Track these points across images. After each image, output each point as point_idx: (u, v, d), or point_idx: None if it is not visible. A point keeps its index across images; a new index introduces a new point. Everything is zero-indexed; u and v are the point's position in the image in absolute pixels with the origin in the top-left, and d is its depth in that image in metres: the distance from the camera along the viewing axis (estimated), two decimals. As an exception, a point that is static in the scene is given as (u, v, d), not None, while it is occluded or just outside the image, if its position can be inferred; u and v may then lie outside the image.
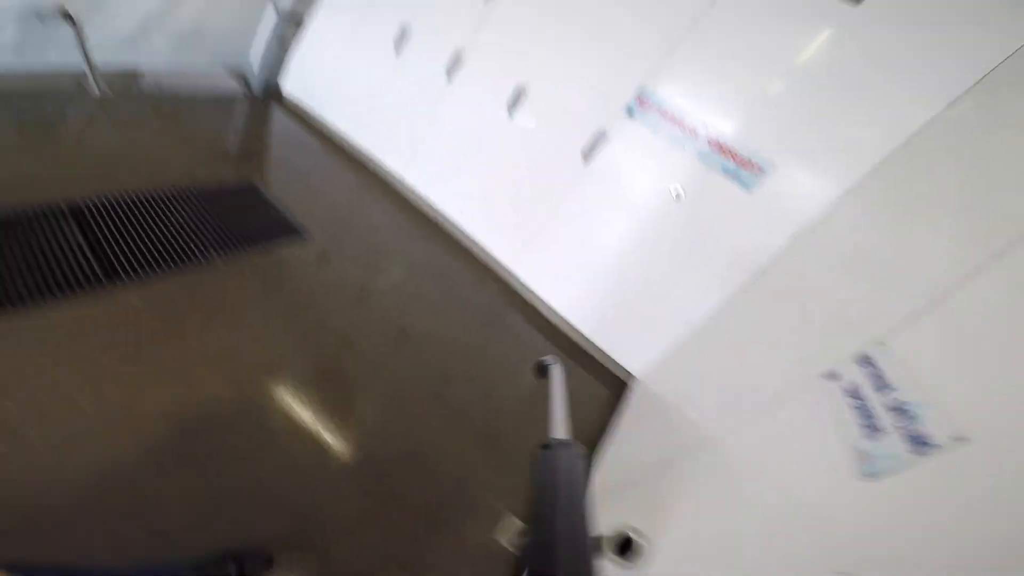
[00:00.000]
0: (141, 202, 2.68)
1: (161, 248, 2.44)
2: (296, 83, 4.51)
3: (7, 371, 1.69)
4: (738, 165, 2.50)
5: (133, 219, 2.56)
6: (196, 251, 2.51)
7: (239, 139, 3.94)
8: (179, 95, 3.95)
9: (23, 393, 1.66)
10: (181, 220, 2.68)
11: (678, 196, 2.67)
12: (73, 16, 3.07)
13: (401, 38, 3.62)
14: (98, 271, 2.17)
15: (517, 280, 3.38)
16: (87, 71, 3.32)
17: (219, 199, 3.00)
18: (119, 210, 2.57)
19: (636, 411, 2.68)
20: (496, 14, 3.14)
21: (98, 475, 1.60)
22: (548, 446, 0.63)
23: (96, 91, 3.41)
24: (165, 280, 2.27)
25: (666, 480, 1.92)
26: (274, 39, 4.38)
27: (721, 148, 2.53)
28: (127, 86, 3.67)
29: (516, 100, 3.08)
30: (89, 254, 2.25)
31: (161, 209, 2.69)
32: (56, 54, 3.39)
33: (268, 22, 4.41)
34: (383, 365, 2.45)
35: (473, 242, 3.53)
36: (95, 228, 2.41)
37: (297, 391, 2.12)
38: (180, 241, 2.53)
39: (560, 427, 0.69)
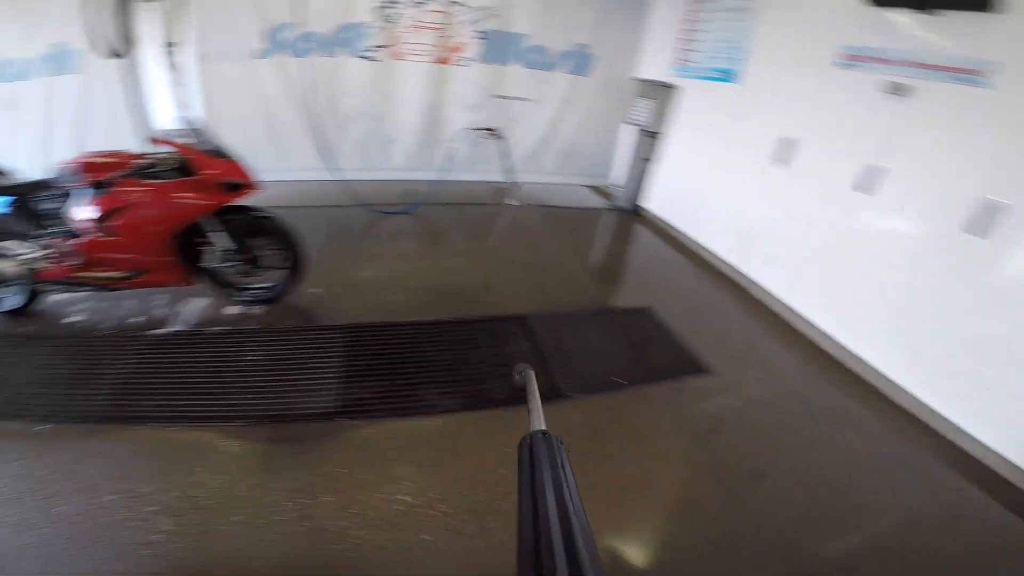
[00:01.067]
0: (566, 317, 3.18)
1: (578, 367, 2.70)
2: (658, 198, 4.98)
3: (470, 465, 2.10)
4: None
5: (555, 334, 2.98)
6: (606, 372, 2.70)
7: (611, 255, 4.44)
8: (556, 207, 5.14)
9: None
10: (594, 339, 2.99)
11: None
12: (501, 135, 4.66)
13: (783, 150, 3.52)
14: (543, 380, 2.43)
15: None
16: (508, 182, 4.89)
17: (615, 320, 3.27)
18: (538, 324, 3.05)
19: None
20: (920, 111, 2.66)
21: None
22: (535, 436, 0.65)
23: (515, 201, 4.82)
24: (585, 399, 2.52)
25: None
26: (635, 156, 5.03)
27: None
28: (523, 196, 5.11)
29: (980, 218, 2.38)
30: (537, 364, 2.60)
31: (578, 326, 3.10)
32: (481, 168, 5.23)
33: (628, 140, 5.09)
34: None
35: (886, 380, 2.84)
36: (536, 338, 2.91)
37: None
38: (593, 361, 2.77)
39: (539, 420, 0.73)
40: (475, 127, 4.95)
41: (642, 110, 4.92)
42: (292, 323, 3.04)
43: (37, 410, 2.39)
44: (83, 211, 2.64)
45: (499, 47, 4.84)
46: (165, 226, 2.72)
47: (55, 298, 3.15)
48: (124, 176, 2.63)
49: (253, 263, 3.01)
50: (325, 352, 2.77)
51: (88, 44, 4.07)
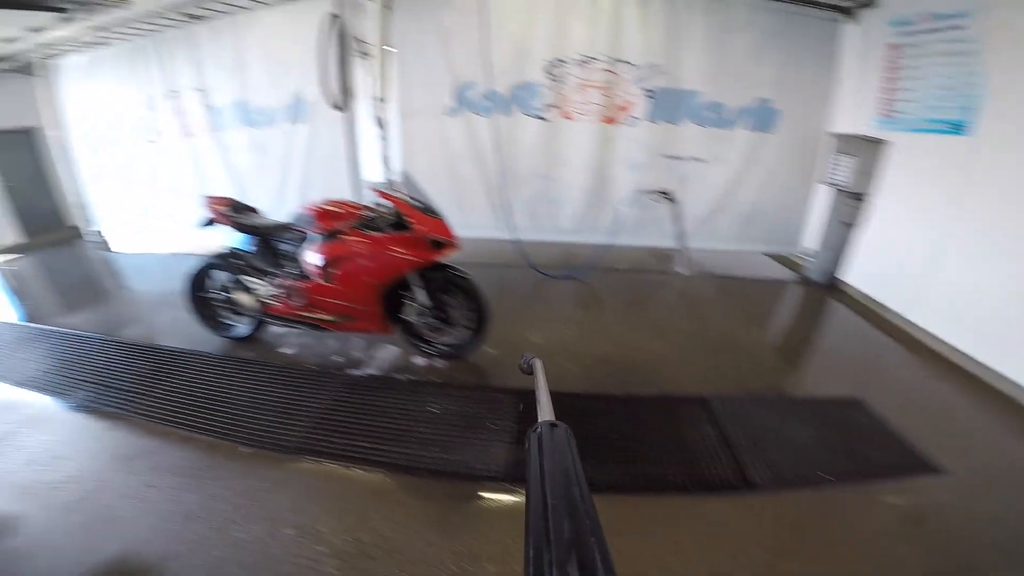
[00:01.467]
0: (753, 402, 2.93)
1: (771, 457, 2.50)
2: (862, 271, 4.42)
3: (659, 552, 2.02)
4: None
5: (742, 419, 2.77)
6: (806, 465, 2.44)
7: (802, 335, 3.96)
8: (734, 276, 4.79)
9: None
10: (789, 429, 2.70)
11: None
12: (673, 198, 4.55)
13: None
14: (729, 471, 2.39)
15: None
16: (678, 249, 4.79)
17: (814, 409, 2.91)
18: (721, 407, 2.85)
19: None
20: None
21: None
22: (544, 427, 0.63)
23: (684, 270, 4.74)
24: (779, 494, 2.30)
25: None
26: (832, 221, 4.61)
27: None
28: (694, 264, 4.84)
29: None
30: (722, 452, 2.51)
31: (770, 413, 2.85)
32: (649, 233, 5.03)
33: (824, 202, 4.70)
34: None
35: None
36: (719, 422, 2.73)
37: None
38: (789, 452, 2.53)
39: (548, 411, 0.71)
40: (646, 189, 4.86)
41: (842, 168, 4.38)
42: (471, 380, 3.18)
43: (245, 433, 2.78)
44: (313, 256, 3.07)
45: (669, 105, 4.71)
46: (379, 278, 3.03)
47: (273, 330, 3.71)
48: (353, 227, 2.98)
49: (444, 320, 3.23)
50: (501, 414, 2.82)
51: (319, 95, 4.79)
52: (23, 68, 6.13)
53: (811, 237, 4.95)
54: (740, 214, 5.06)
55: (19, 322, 4.36)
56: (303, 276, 3.19)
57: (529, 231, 5.11)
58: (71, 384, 3.27)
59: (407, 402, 2.94)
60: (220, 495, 2.33)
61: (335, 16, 4.59)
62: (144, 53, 5.55)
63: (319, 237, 3.08)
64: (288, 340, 3.72)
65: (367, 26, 4.70)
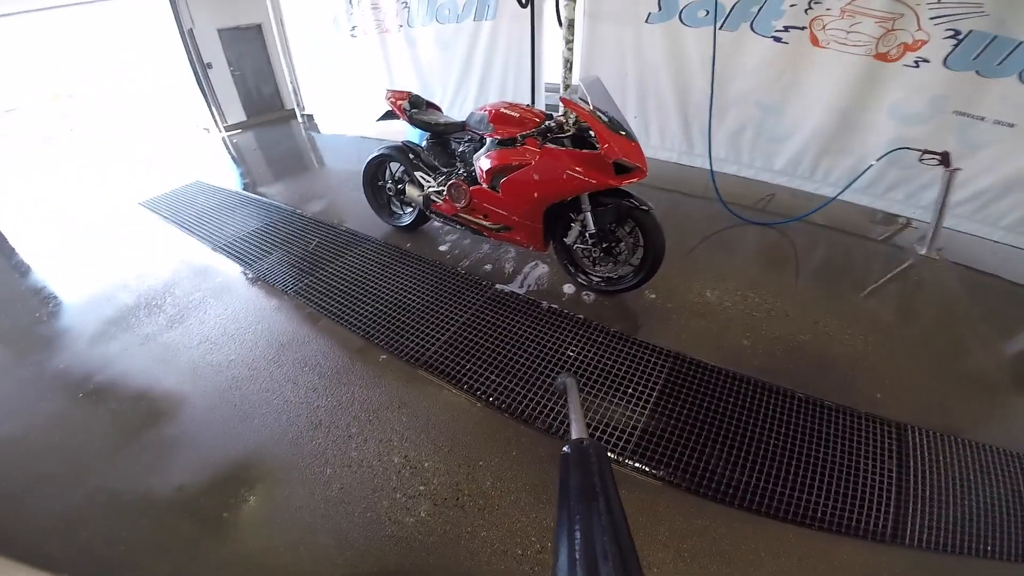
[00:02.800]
0: (974, 449, 2.17)
1: (949, 517, 1.94)
2: None
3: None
4: None
5: (945, 466, 2.11)
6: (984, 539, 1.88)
7: None
8: (994, 275, 3.37)
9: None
10: (995, 493, 2.02)
11: None
12: (952, 165, 3.30)
13: None
14: (888, 517, 1.90)
15: None
16: (932, 227, 3.47)
17: None
18: (922, 443, 2.18)
19: None
20: None
21: None
22: (572, 446, 0.63)
23: (926, 250, 3.50)
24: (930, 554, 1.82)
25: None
26: None
27: None
28: (940, 247, 3.49)
29: None
30: (891, 494, 1.98)
31: (978, 466, 2.11)
32: (890, 195, 3.74)
33: None
34: None
35: None
36: (909, 459, 2.12)
37: None
38: (978, 519, 1.94)
39: (580, 428, 0.70)
40: (916, 147, 3.47)
41: None
42: (619, 327, 2.84)
43: (385, 336, 2.87)
44: (484, 161, 2.91)
45: (985, 54, 3.21)
46: (548, 195, 2.73)
47: (435, 224, 3.81)
48: (529, 135, 2.70)
49: (609, 253, 2.88)
50: (643, 376, 2.51)
51: None
52: None
53: None
54: None
55: (231, 188, 5.02)
56: (470, 179, 3.09)
57: (728, 163, 4.28)
58: (257, 254, 3.75)
59: (546, 336, 2.77)
60: (347, 405, 2.43)
61: None
62: None
63: (493, 142, 2.88)
64: (446, 237, 3.79)
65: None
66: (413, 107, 3.42)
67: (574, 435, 0.69)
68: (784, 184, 4.15)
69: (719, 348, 2.64)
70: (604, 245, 2.83)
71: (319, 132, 6.93)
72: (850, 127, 3.77)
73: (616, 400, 2.34)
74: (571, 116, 2.61)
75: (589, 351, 2.62)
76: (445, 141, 3.37)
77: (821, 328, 2.83)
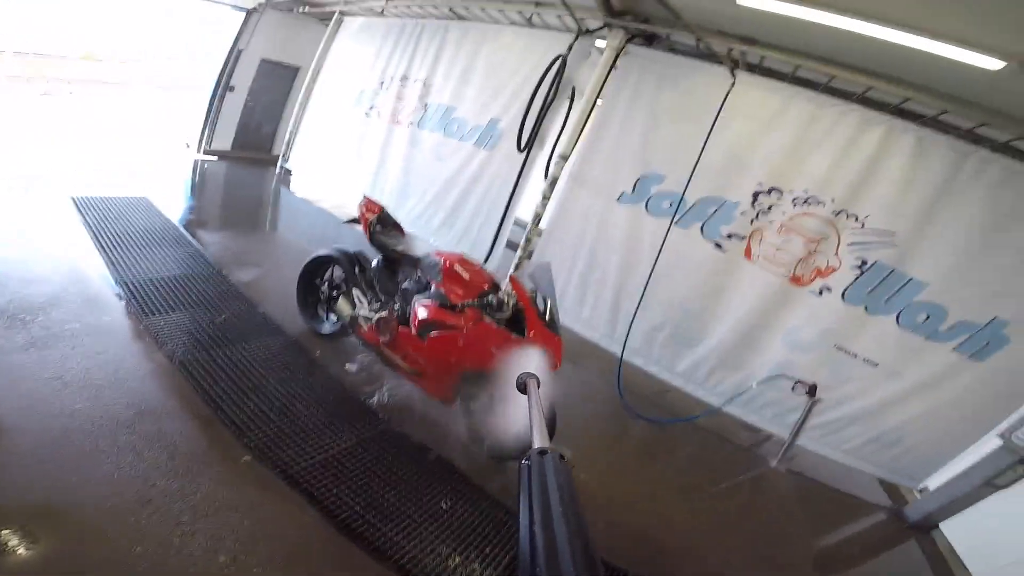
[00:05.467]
0: None
1: None
2: (973, 533, 3.59)
3: None
4: None
5: None
6: None
7: (865, 569, 3.38)
8: (824, 484, 4.01)
9: None
10: None
11: None
12: (816, 396, 3.83)
13: None
14: None
15: None
16: (785, 445, 4.02)
17: None
18: None
19: None
20: None
21: None
22: (533, 457, 0.62)
23: (775, 462, 4.02)
24: None
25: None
26: (975, 473, 3.60)
27: None
28: (787, 460, 4.05)
29: None
30: None
31: None
32: (762, 411, 4.16)
33: (980, 452, 3.69)
34: None
35: None
36: None
37: None
38: None
39: (541, 437, 0.68)
40: (791, 375, 3.89)
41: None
42: (495, 487, 2.87)
43: (259, 436, 2.65)
44: (422, 311, 2.92)
45: (879, 289, 3.69)
46: (469, 363, 2.82)
47: (351, 340, 3.63)
48: (469, 305, 2.76)
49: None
50: (498, 539, 2.54)
51: (512, 129, 4.73)
52: (323, 16, 7.14)
53: (939, 477, 3.79)
54: (880, 433, 3.87)
55: (172, 219, 4.81)
56: (403, 316, 3.11)
57: (638, 354, 4.43)
58: (160, 305, 3.51)
59: (424, 482, 2.69)
60: (188, 493, 2.22)
61: (561, 57, 4.48)
62: (403, 33, 6.04)
63: (436, 293, 2.95)
64: (357, 356, 3.63)
65: (585, 74, 4.53)
66: (379, 223, 3.46)
67: (535, 444, 0.67)
68: (679, 386, 4.37)
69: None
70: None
71: (289, 189, 6.92)
72: (749, 344, 4.08)
73: (472, 559, 2.33)
74: (512, 298, 2.75)
75: (460, 507, 2.59)
76: (394, 270, 3.39)
77: (665, 514, 3.12)
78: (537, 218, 4.53)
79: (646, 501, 3.19)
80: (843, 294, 3.77)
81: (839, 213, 3.73)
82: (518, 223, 5.07)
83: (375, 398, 3.24)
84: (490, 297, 2.76)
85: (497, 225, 4.94)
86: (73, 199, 4.58)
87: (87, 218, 4.31)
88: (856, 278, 3.72)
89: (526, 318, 2.64)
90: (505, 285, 2.88)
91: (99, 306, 3.25)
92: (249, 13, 6.98)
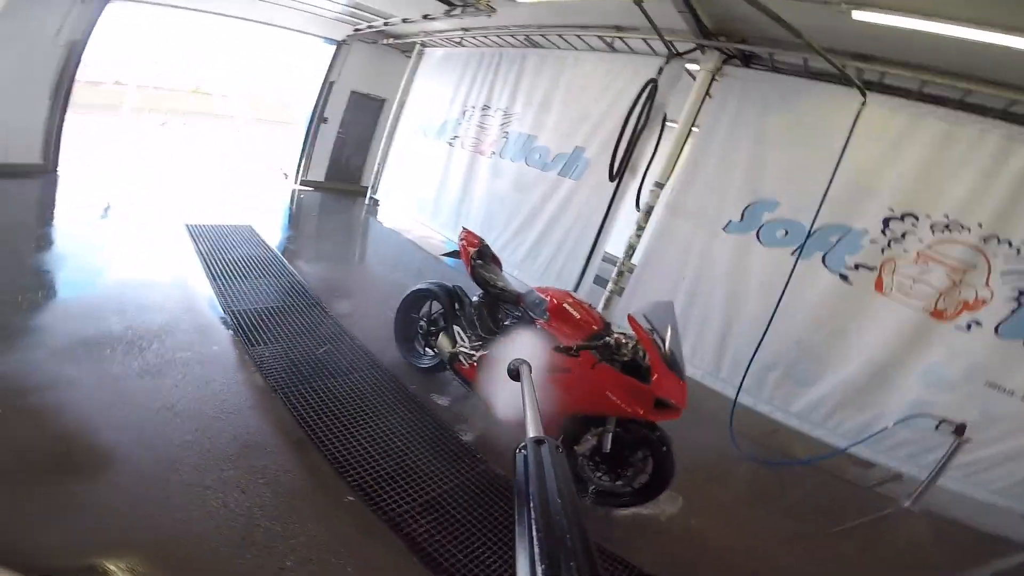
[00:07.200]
0: None
1: None
2: None
3: None
4: None
5: None
6: None
7: None
8: (964, 525, 3.55)
9: None
10: None
11: None
12: (965, 436, 3.38)
13: None
14: None
15: None
16: (923, 484, 3.54)
17: None
18: None
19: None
20: None
21: None
22: (527, 446, 0.62)
23: (908, 502, 3.57)
24: None
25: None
26: None
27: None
28: (922, 500, 3.59)
29: None
30: None
31: None
32: (902, 456, 3.65)
33: None
34: None
35: None
36: None
37: None
38: None
39: (535, 425, 0.68)
40: (936, 414, 3.35)
41: None
42: (595, 537, 2.49)
43: (359, 475, 2.57)
44: (524, 346, 2.68)
45: None
46: (581, 407, 2.62)
47: (446, 375, 3.53)
48: (584, 347, 2.52)
49: (613, 471, 2.71)
50: None
51: (601, 158, 4.59)
52: (405, 48, 7.46)
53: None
54: None
55: (273, 247, 5.04)
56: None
57: (746, 394, 3.96)
58: (263, 336, 3.57)
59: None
60: (292, 534, 2.15)
61: (652, 81, 4.30)
62: (482, 63, 6.15)
63: (544, 334, 2.78)
64: (450, 389, 3.53)
65: (677, 98, 4.32)
66: (479, 257, 3.34)
67: (530, 433, 0.66)
68: (793, 426, 3.91)
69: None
70: (611, 466, 2.66)
71: (377, 219, 7.13)
72: (879, 383, 3.61)
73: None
74: (631, 341, 2.54)
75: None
76: (495, 306, 3.27)
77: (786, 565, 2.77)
78: (631, 250, 4.31)
79: (767, 546, 2.88)
80: (997, 328, 3.26)
81: (988, 239, 3.26)
82: (607, 258, 4.87)
83: (470, 435, 3.11)
84: (608, 339, 2.56)
85: (585, 259, 4.75)
86: (187, 226, 4.92)
87: (199, 245, 4.60)
88: (1013, 311, 3.22)
89: (650, 361, 2.43)
90: (620, 330, 2.70)
91: (209, 335, 3.39)
92: (340, 45, 7.38)
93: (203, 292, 3.91)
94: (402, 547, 2.21)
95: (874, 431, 3.55)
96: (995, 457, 3.37)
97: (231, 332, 3.49)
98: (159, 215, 5.10)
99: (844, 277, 3.67)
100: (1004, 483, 3.37)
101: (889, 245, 3.53)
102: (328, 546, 2.13)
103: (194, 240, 4.68)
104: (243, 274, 4.33)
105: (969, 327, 3.33)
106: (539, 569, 0.44)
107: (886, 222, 3.53)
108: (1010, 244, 3.22)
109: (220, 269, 4.29)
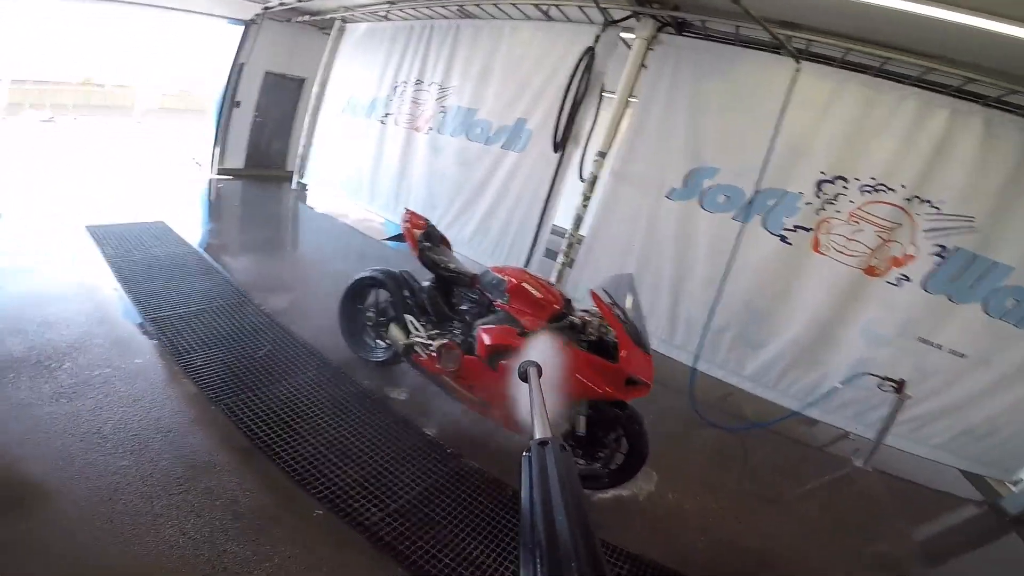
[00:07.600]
0: None
1: None
2: None
3: None
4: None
5: None
6: None
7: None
8: (911, 481, 3.77)
9: None
10: None
11: None
12: (905, 393, 3.52)
13: None
14: None
15: None
16: (873, 444, 3.73)
17: None
18: None
19: None
20: None
21: None
22: (535, 448, 0.60)
23: (860, 462, 3.78)
24: None
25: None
26: None
27: None
28: (872, 459, 3.74)
29: None
30: None
31: None
32: (841, 411, 3.91)
33: None
34: None
35: None
36: None
37: None
38: None
39: (543, 427, 0.65)
40: (875, 372, 3.60)
41: None
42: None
43: (324, 487, 2.38)
44: (488, 336, 2.56)
45: (963, 276, 3.45)
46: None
47: (401, 367, 3.34)
48: (545, 327, 2.47)
49: (589, 454, 2.69)
50: None
51: (543, 128, 4.51)
52: (324, 24, 6.91)
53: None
54: (971, 426, 3.66)
55: (192, 243, 4.59)
56: (465, 344, 2.78)
57: (701, 360, 4.09)
58: (193, 343, 3.24)
59: (508, 523, 2.38)
60: (264, 557, 1.97)
61: (590, 49, 4.23)
62: (411, 36, 5.81)
63: (504, 316, 2.65)
64: (408, 380, 3.33)
65: (615, 66, 4.28)
66: (427, 239, 3.13)
67: (537, 435, 0.64)
68: (747, 389, 4.10)
69: (676, 551, 2.52)
70: (587, 449, 2.64)
71: (307, 205, 6.70)
72: (824, 341, 3.84)
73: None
74: (595, 318, 2.50)
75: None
76: (449, 289, 3.08)
77: (769, 532, 2.86)
78: (578, 221, 4.28)
79: (741, 511, 2.97)
80: (924, 283, 3.53)
81: (911, 199, 3.49)
82: (556, 231, 4.81)
83: (433, 429, 2.96)
84: (571, 318, 2.49)
85: (534, 232, 4.68)
86: (88, 229, 4.36)
87: (105, 249, 4.09)
88: (937, 265, 3.49)
89: (617, 338, 2.39)
90: (585, 308, 2.64)
91: (129, 347, 3.01)
92: (248, 25, 6.77)
93: (116, 300, 3.48)
94: (386, 559, 2.07)
95: (823, 392, 3.79)
96: (931, 413, 3.68)
97: (155, 342, 3.12)
98: (54, 220, 4.46)
99: (783, 239, 3.83)
100: (942, 438, 3.72)
101: (823, 207, 3.71)
102: (306, 565, 1.96)
103: (99, 244, 4.15)
104: (161, 276, 3.89)
105: (899, 282, 3.58)
106: (544, 567, 0.43)
107: (819, 185, 3.70)
108: (930, 203, 3.46)
109: (133, 273, 3.82)
